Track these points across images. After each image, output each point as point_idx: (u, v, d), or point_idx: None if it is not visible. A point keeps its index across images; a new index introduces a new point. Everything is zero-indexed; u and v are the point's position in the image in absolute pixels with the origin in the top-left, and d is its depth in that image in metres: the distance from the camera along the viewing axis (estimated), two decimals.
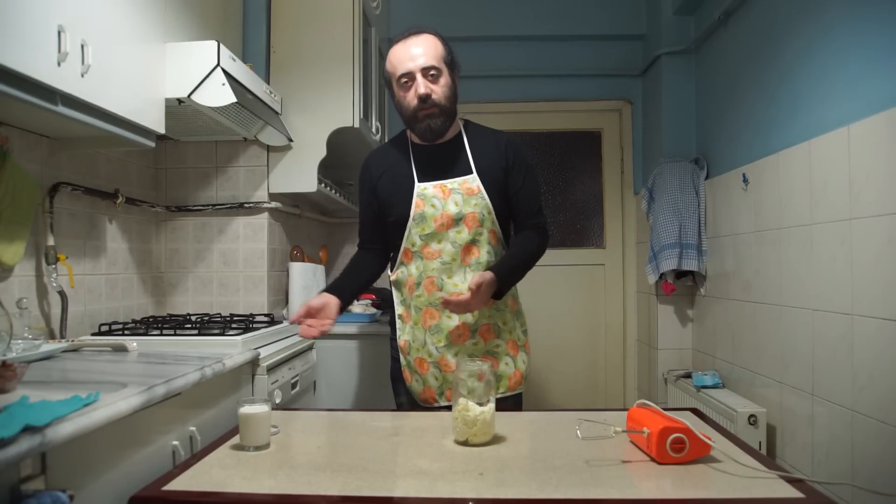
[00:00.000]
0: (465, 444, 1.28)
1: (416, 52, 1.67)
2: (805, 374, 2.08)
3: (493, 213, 1.73)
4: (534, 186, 1.82)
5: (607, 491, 1.05)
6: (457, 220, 1.70)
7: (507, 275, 1.68)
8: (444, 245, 1.71)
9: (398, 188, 1.75)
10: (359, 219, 1.91)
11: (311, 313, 1.64)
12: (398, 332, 1.82)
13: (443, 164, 1.75)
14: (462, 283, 1.70)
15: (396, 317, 1.82)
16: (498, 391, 1.72)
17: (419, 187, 1.72)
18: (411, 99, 1.68)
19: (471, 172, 1.73)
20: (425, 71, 1.66)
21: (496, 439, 1.32)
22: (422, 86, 1.66)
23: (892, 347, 1.65)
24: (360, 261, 1.89)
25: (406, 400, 1.83)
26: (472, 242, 1.71)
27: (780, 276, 2.25)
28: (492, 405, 1.30)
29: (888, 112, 1.68)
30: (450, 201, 1.70)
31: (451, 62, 1.73)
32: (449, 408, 1.70)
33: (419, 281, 1.73)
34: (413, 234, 1.72)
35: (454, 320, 1.72)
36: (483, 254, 1.72)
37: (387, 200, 1.78)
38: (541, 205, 1.83)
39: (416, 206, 1.71)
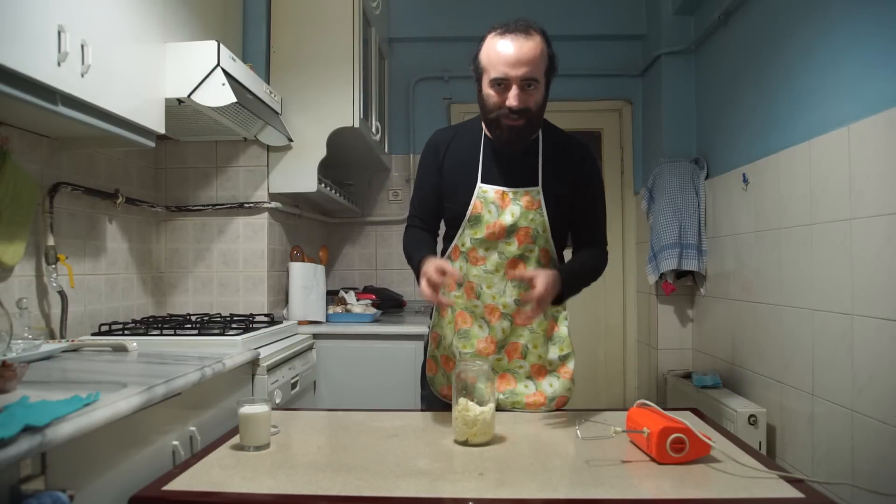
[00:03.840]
0: (465, 444, 1.29)
1: (520, 59, 1.51)
2: (805, 374, 2.08)
3: (548, 230, 1.63)
4: (603, 206, 1.71)
5: (607, 491, 1.05)
6: (509, 233, 1.61)
7: (570, 280, 1.59)
8: (490, 254, 1.63)
9: (461, 181, 1.65)
10: (414, 196, 1.77)
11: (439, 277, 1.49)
12: (433, 322, 1.76)
13: (510, 168, 1.63)
14: (500, 297, 1.63)
15: (434, 308, 1.75)
16: (513, 407, 1.67)
17: (481, 188, 1.62)
18: (499, 104, 1.54)
19: (536, 184, 1.61)
20: (524, 82, 1.52)
21: (496, 439, 1.32)
22: (515, 98, 1.51)
23: (892, 347, 1.65)
24: (421, 236, 1.74)
25: (430, 394, 1.77)
26: (521, 257, 1.62)
27: (780, 276, 2.25)
28: (492, 405, 1.30)
29: (888, 112, 1.68)
30: (507, 211, 1.60)
31: (549, 70, 1.59)
32: None
33: (461, 283, 1.66)
34: (465, 235, 1.64)
35: (484, 331, 1.66)
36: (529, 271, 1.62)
37: (448, 188, 1.68)
38: (605, 229, 1.72)
39: (474, 208, 1.62)
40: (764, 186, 2.37)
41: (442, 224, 1.74)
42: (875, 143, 1.73)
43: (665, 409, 1.27)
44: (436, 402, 1.75)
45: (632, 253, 3.64)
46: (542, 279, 1.46)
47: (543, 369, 1.72)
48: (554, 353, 1.74)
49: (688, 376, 2.90)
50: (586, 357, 3.67)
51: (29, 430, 0.90)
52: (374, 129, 2.92)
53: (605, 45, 3.55)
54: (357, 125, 2.60)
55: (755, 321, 2.45)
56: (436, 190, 1.71)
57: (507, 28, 1.56)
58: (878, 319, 1.71)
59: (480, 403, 1.29)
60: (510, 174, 1.63)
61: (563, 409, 1.58)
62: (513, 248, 1.62)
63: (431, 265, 1.47)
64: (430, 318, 1.81)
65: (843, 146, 1.87)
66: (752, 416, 2.29)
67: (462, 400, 1.29)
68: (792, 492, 1.04)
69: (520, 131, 1.57)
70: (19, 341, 1.49)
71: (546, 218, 1.62)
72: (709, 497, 1.04)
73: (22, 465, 0.92)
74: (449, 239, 1.70)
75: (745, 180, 2.51)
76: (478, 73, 1.60)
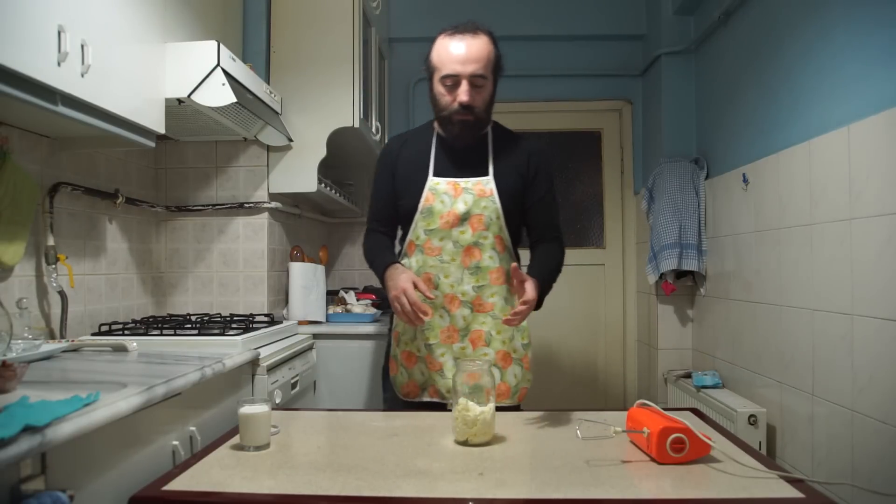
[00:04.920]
0: (465, 444, 1.28)
1: (469, 57, 1.61)
2: (805, 374, 2.08)
3: (502, 218, 1.70)
4: (555, 199, 1.80)
5: (607, 491, 1.05)
6: (462, 220, 1.68)
7: (546, 285, 1.68)
8: (445, 243, 1.70)
9: (412, 178, 1.74)
10: (372, 202, 1.87)
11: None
12: (394, 322, 1.81)
13: (461, 162, 1.73)
14: (458, 285, 1.70)
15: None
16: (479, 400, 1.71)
17: (432, 181, 1.71)
18: (451, 101, 1.65)
19: (487, 174, 1.71)
20: (473, 79, 1.62)
21: (496, 439, 1.32)
22: (465, 94, 1.62)
23: (892, 347, 1.65)
24: (381, 240, 1.83)
25: (390, 396, 1.82)
26: (475, 245, 1.70)
27: (780, 276, 2.25)
28: (492, 405, 1.30)
29: (888, 112, 1.68)
30: (459, 200, 1.69)
31: (497, 68, 1.69)
32: (432, 404, 1.73)
33: (417, 275, 1.72)
34: (419, 228, 1.71)
35: (445, 320, 1.71)
36: (485, 258, 1.71)
37: (401, 188, 1.77)
38: (559, 220, 1.81)
39: (425, 200, 1.70)
40: (764, 186, 2.37)
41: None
42: (875, 143, 1.73)
43: (665, 409, 1.27)
44: (398, 403, 1.78)
45: (632, 253, 3.64)
46: (532, 284, 1.54)
47: (509, 356, 1.76)
48: (518, 340, 1.78)
49: (688, 376, 2.90)
50: (586, 357, 3.67)
51: (29, 430, 0.90)
52: (374, 129, 2.92)
53: (605, 45, 3.54)
54: (357, 125, 2.60)
55: (755, 321, 2.45)
56: (391, 194, 1.80)
57: (457, 29, 1.66)
58: (878, 319, 1.71)
59: (480, 403, 1.29)
60: (461, 167, 1.73)
61: (563, 409, 1.57)
62: (467, 235, 1.69)
63: (409, 284, 1.57)
64: (391, 320, 1.85)
65: (843, 146, 1.87)
66: (752, 416, 2.29)
67: (462, 400, 1.29)
68: (792, 492, 1.04)
69: (470, 126, 1.67)
70: (19, 341, 1.49)
71: (499, 205, 1.69)
72: (709, 497, 1.04)
73: (22, 465, 0.92)
74: (404, 237, 1.77)
75: (745, 180, 2.51)
76: (429, 72, 1.70)
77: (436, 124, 1.78)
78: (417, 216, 1.71)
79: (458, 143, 1.72)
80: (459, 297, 1.70)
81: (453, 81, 1.63)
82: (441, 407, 1.71)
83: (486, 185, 1.69)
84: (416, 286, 1.58)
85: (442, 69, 1.63)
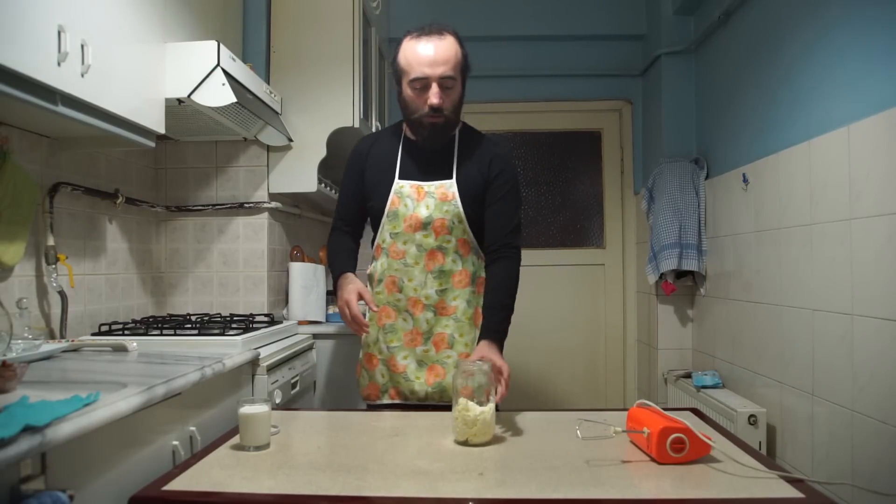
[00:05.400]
0: (465, 443, 1.28)
1: (437, 59, 1.61)
2: (805, 374, 2.08)
3: (464, 221, 1.69)
4: (512, 204, 1.73)
5: (607, 491, 1.05)
6: (425, 225, 1.68)
7: (502, 326, 1.64)
8: (409, 247, 1.70)
9: (380, 180, 1.74)
10: (338, 200, 1.87)
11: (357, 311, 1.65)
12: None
13: (426, 165, 1.72)
14: (422, 289, 1.70)
15: (366, 311, 1.81)
16: (441, 400, 1.71)
17: (397, 184, 1.71)
18: (421, 104, 1.64)
19: (450, 177, 1.70)
20: (442, 80, 1.62)
21: (496, 439, 1.32)
22: (435, 96, 1.61)
23: (892, 347, 1.65)
24: (343, 242, 1.84)
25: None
26: (438, 249, 1.69)
27: (780, 276, 2.25)
28: (491, 405, 1.30)
29: (888, 112, 1.68)
30: (422, 204, 1.68)
31: (464, 68, 1.68)
32: (391, 405, 1.75)
33: (381, 278, 1.74)
34: (385, 231, 1.72)
35: (409, 324, 1.72)
36: (448, 262, 1.70)
37: (369, 189, 1.77)
38: (518, 223, 1.74)
39: (391, 203, 1.70)
40: (764, 186, 2.37)
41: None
42: (875, 143, 1.73)
43: (665, 409, 1.27)
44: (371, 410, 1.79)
45: (632, 253, 3.64)
46: (495, 355, 1.50)
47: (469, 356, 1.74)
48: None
49: (688, 376, 2.90)
50: (586, 357, 3.67)
51: (29, 430, 0.90)
52: (373, 129, 2.92)
53: (605, 45, 3.54)
54: (357, 125, 2.60)
55: (755, 321, 2.45)
56: (357, 193, 1.80)
57: (423, 31, 1.66)
58: (878, 319, 1.71)
59: (480, 404, 1.29)
60: (426, 169, 1.72)
61: (563, 409, 1.58)
62: (430, 240, 1.69)
63: (352, 296, 1.62)
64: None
65: (843, 146, 1.87)
66: (752, 416, 2.29)
67: (462, 400, 1.29)
68: (792, 492, 1.04)
69: (441, 128, 1.67)
70: (19, 341, 1.49)
71: (461, 209, 1.69)
72: (709, 497, 1.04)
73: (22, 465, 0.92)
74: (374, 239, 1.78)
75: (745, 180, 2.51)
76: (397, 75, 1.69)
77: (405, 126, 1.78)
78: (384, 219, 1.72)
79: (429, 145, 1.71)
80: (423, 300, 1.71)
81: (422, 84, 1.62)
82: (405, 408, 1.73)
83: (448, 188, 1.69)
84: (362, 296, 1.64)
85: (410, 72, 1.63)
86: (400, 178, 1.72)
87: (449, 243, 1.70)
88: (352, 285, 1.66)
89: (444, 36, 1.64)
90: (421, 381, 1.71)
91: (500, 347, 1.58)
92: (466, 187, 1.69)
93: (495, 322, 1.62)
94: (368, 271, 1.82)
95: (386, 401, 1.77)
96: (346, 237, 1.85)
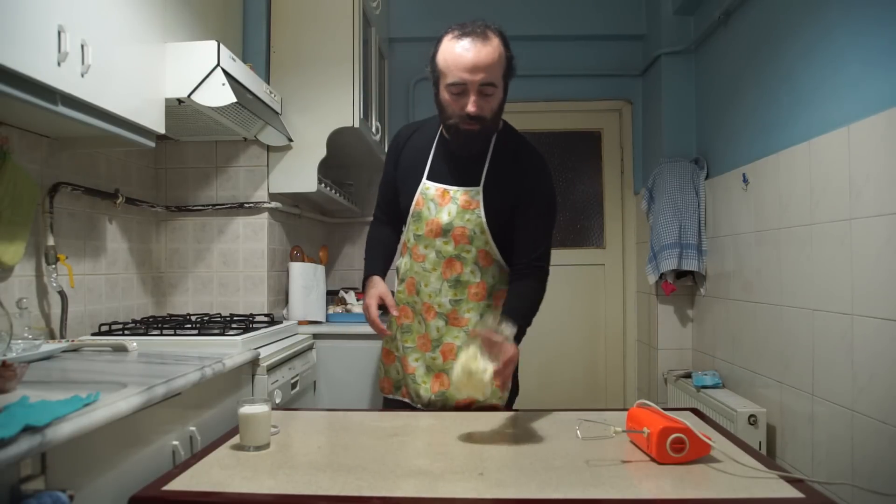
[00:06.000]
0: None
1: (478, 64, 1.47)
2: (805, 374, 2.08)
3: (487, 232, 1.60)
4: (545, 226, 1.64)
5: (607, 491, 1.05)
6: (444, 231, 1.60)
7: (521, 331, 1.54)
8: (428, 252, 1.64)
9: (409, 176, 1.68)
10: (379, 189, 1.82)
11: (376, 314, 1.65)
12: (387, 321, 1.79)
13: (456, 167, 1.62)
14: (436, 296, 1.64)
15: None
16: (444, 409, 1.67)
17: (424, 185, 1.64)
18: (458, 109, 1.52)
19: (477, 185, 1.60)
20: (482, 87, 1.49)
21: (496, 439, 1.32)
22: (473, 105, 1.49)
23: (892, 347, 1.65)
24: (380, 235, 1.80)
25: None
26: (457, 258, 1.61)
27: (780, 276, 2.25)
28: (492, 369, 1.31)
29: (888, 112, 1.68)
30: (444, 210, 1.60)
31: (508, 72, 1.55)
32: (401, 403, 1.73)
33: (404, 277, 1.71)
34: (410, 230, 1.68)
35: (422, 328, 1.69)
36: (465, 272, 1.63)
37: (400, 184, 1.72)
38: (548, 248, 1.64)
39: (416, 204, 1.65)
40: (764, 186, 2.37)
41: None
42: (875, 143, 1.73)
43: (665, 409, 1.27)
44: (385, 403, 1.80)
45: (632, 253, 3.64)
46: (508, 339, 1.41)
47: None
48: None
49: (688, 376, 2.90)
50: (586, 357, 3.67)
51: (29, 430, 0.90)
52: (374, 129, 2.92)
53: (605, 45, 3.54)
54: (357, 125, 2.60)
55: (755, 321, 2.45)
56: (392, 181, 1.75)
57: (465, 31, 1.51)
58: (878, 319, 1.71)
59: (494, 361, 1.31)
60: (455, 173, 1.63)
61: (563, 409, 1.57)
62: (449, 247, 1.62)
63: (373, 300, 1.63)
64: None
65: (843, 146, 1.87)
66: (752, 416, 2.29)
67: (473, 348, 1.31)
68: (792, 492, 1.04)
69: (476, 136, 1.56)
70: (19, 341, 1.49)
71: (484, 219, 1.59)
72: (709, 497, 1.04)
73: (22, 465, 0.92)
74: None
75: (745, 180, 2.51)
76: (435, 75, 1.57)
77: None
78: (409, 218, 1.67)
79: (462, 151, 1.61)
80: (436, 307, 1.65)
81: (460, 90, 1.50)
82: (413, 409, 1.71)
83: (473, 196, 1.59)
84: (383, 300, 1.65)
85: (448, 76, 1.51)
86: (428, 178, 1.64)
87: (468, 253, 1.61)
88: (374, 290, 1.64)
89: (488, 38, 1.50)
90: (426, 387, 1.67)
91: (516, 326, 1.47)
92: (493, 197, 1.59)
93: (517, 315, 1.51)
94: (396, 265, 1.78)
95: (398, 396, 1.75)
96: (385, 228, 1.78)
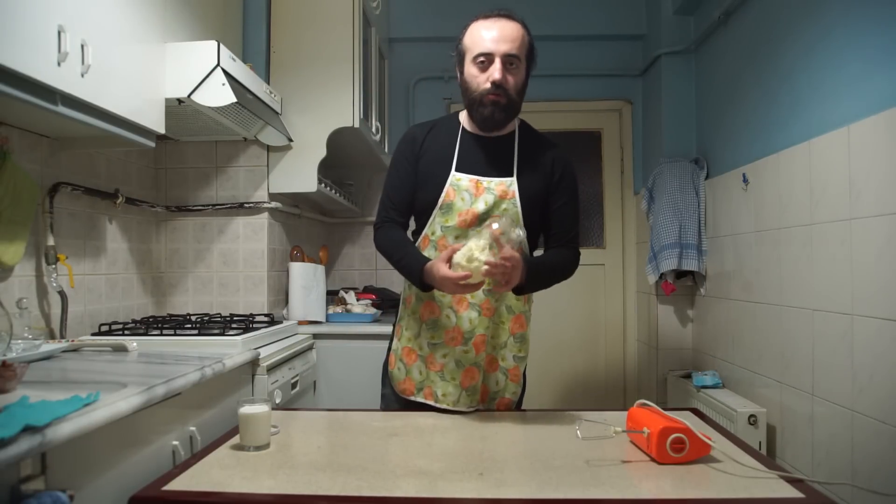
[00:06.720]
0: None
1: (503, 36, 1.59)
2: (805, 374, 2.08)
3: (521, 221, 1.64)
4: (575, 209, 1.73)
5: (607, 491, 1.05)
6: (481, 221, 1.62)
7: (535, 272, 1.60)
8: (459, 242, 1.61)
9: (435, 170, 1.67)
10: (390, 191, 1.76)
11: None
12: (399, 315, 1.77)
13: (486, 159, 1.67)
14: None
15: (401, 300, 1.77)
16: (470, 406, 1.65)
17: (454, 176, 1.64)
18: (483, 81, 1.60)
19: (511, 175, 1.65)
20: (506, 58, 1.59)
21: (496, 439, 1.32)
22: (498, 71, 1.58)
23: (892, 347, 1.65)
24: (402, 234, 1.74)
25: (388, 392, 1.77)
26: (491, 248, 1.58)
27: (780, 276, 2.25)
28: (486, 261, 1.39)
29: (888, 112, 1.68)
30: (480, 199, 1.63)
31: (530, 56, 1.66)
32: (426, 406, 1.67)
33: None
34: (436, 223, 1.66)
35: (451, 321, 1.66)
36: None
37: (422, 179, 1.70)
38: (578, 232, 1.75)
39: (446, 196, 1.64)
40: (764, 186, 2.37)
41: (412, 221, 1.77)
42: (875, 143, 1.73)
43: (665, 409, 1.27)
44: (393, 400, 1.75)
45: (632, 253, 3.64)
46: (512, 253, 1.46)
47: (495, 362, 1.71)
48: (512, 350, 1.72)
49: (688, 376, 2.90)
50: (586, 357, 3.67)
51: (29, 430, 0.90)
52: (374, 129, 2.92)
53: (605, 45, 3.54)
54: (357, 125, 2.60)
55: (755, 321, 2.45)
56: (411, 183, 1.72)
57: (489, 12, 1.65)
58: (878, 319, 1.71)
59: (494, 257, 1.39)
60: (485, 164, 1.67)
61: (563, 409, 1.57)
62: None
63: (444, 272, 1.50)
64: (397, 313, 1.81)
65: (843, 146, 1.87)
66: (752, 416, 2.29)
67: (484, 241, 1.40)
68: (792, 492, 1.04)
69: (503, 108, 1.62)
70: (19, 341, 1.49)
71: (519, 209, 1.64)
72: (709, 497, 1.04)
73: (22, 465, 0.92)
74: (418, 231, 1.72)
75: (745, 180, 2.51)
76: (460, 56, 1.66)
77: (462, 117, 1.72)
78: (436, 211, 1.65)
79: (487, 127, 1.66)
80: (469, 297, 1.64)
81: (487, 59, 1.59)
82: (435, 410, 1.66)
83: (509, 186, 1.63)
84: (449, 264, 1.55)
85: (475, 48, 1.61)
86: (457, 170, 1.66)
87: None
88: (434, 269, 1.53)
89: (512, 19, 1.65)
90: (456, 383, 1.64)
91: (526, 276, 1.53)
92: (527, 187, 1.65)
93: (540, 263, 1.66)
94: None
95: (420, 399, 1.68)
96: (400, 230, 1.74)
